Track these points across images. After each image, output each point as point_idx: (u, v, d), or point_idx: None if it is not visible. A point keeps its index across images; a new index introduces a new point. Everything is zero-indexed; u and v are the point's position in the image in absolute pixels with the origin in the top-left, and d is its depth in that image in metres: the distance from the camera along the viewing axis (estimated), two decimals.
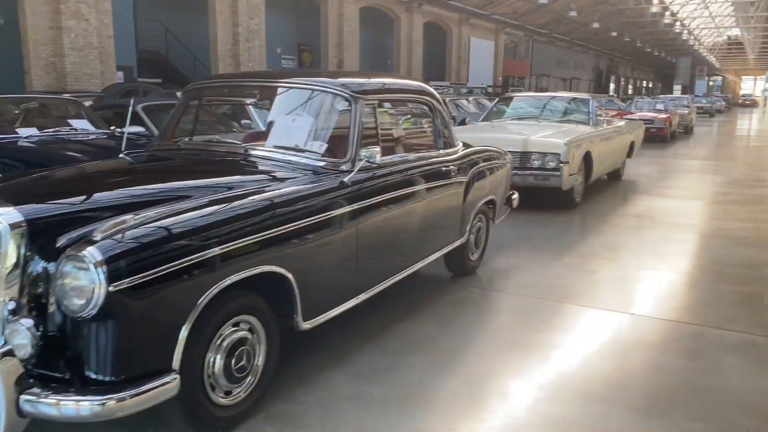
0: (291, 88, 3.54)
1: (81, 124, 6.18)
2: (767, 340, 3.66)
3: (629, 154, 10.58)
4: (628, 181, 10.43)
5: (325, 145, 3.27)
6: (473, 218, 4.66)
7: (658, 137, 18.35)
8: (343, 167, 3.20)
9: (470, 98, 18.07)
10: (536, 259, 5.38)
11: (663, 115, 18.59)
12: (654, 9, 35.11)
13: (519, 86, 35.92)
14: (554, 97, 9.57)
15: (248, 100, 4.99)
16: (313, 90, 3.46)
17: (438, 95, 4.39)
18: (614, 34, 43.13)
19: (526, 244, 5.92)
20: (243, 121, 7.34)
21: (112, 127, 6.60)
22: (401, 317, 3.88)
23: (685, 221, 7.16)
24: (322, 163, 3.20)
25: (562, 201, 7.71)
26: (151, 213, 2.32)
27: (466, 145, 4.86)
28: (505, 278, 4.84)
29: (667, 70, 73.13)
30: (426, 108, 4.22)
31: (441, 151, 4.23)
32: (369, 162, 3.21)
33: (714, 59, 74.44)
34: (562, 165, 7.08)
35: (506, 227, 6.52)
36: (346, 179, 3.12)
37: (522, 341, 3.60)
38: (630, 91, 68.50)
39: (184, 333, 2.26)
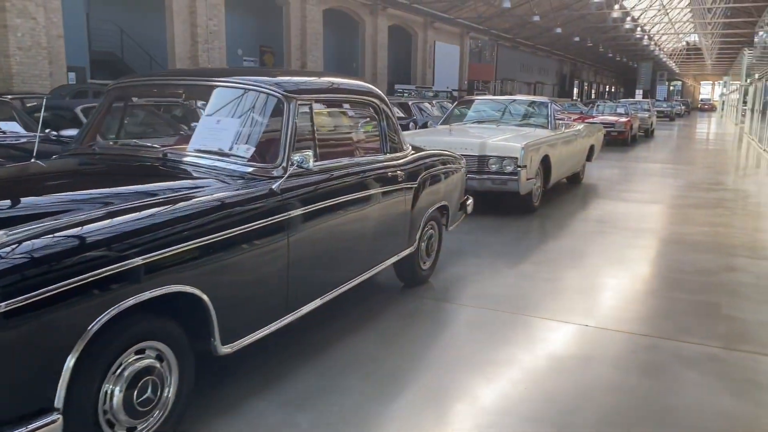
0: (220, 86, 3.25)
1: (10, 127, 5.77)
2: (724, 353, 3.50)
3: (589, 158, 10.52)
4: (588, 184, 10.36)
5: (253, 149, 3.00)
6: (424, 225, 4.43)
7: (619, 140, 18.50)
8: (274, 173, 2.93)
9: (434, 101, 17.94)
10: (492, 267, 5.18)
11: (624, 119, 18.75)
12: (615, 14, 35.56)
13: (483, 90, 36.01)
14: (514, 100, 9.43)
15: (195, 101, 4.67)
16: (243, 89, 3.18)
17: (386, 98, 4.15)
18: (577, 39, 43.63)
19: (482, 251, 5.72)
20: (193, 124, 7.02)
21: (47, 130, 6.21)
22: (342, 334, 3.62)
23: (643, 226, 7.06)
24: (249, 169, 2.93)
25: (520, 205, 7.56)
26: (33, 227, 2.02)
27: (416, 149, 4.64)
28: (458, 288, 4.62)
29: (629, 75, 74.54)
30: (371, 110, 3.98)
31: (387, 156, 3.99)
32: (301, 167, 2.94)
33: (674, 64, 76.13)
34: (519, 169, 6.92)
35: (463, 233, 6.32)
36: (274, 186, 2.85)
37: (471, 358, 3.37)
38: (593, 96, 69.61)
39: (70, 363, 1.96)
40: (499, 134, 7.75)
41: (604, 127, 18.34)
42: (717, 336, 3.74)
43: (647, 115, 22.29)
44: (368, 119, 4.08)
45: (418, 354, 3.42)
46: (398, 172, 3.96)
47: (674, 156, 16.57)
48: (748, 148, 19.73)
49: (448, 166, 4.90)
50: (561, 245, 6.10)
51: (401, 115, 13.68)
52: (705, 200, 8.92)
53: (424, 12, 31.12)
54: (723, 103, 54.39)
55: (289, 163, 2.94)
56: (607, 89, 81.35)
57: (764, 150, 17.16)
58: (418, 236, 4.31)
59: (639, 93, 57.91)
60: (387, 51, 29.33)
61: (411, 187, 4.12)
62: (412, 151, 4.45)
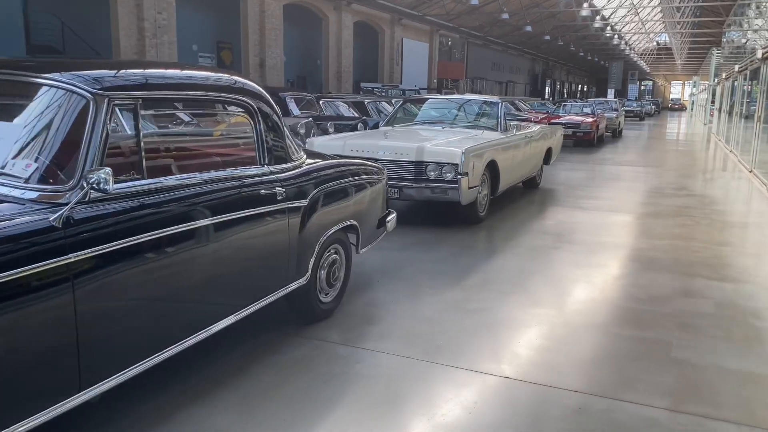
0: (6, 81, 2.46)
1: None
2: (667, 417, 2.81)
3: (546, 161, 9.88)
4: (545, 189, 9.72)
5: (34, 165, 2.21)
6: (322, 251, 3.68)
7: (585, 141, 17.99)
8: (64, 199, 2.16)
9: (393, 101, 17.22)
10: (415, 294, 4.45)
11: (590, 119, 18.24)
12: (584, 13, 35.20)
13: (452, 89, 35.42)
14: (467, 100, 8.73)
15: None
16: (38, 83, 2.39)
17: (266, 96, 3.38)
18: (547, 37, 43.32)
19: (407, 272, 4.99)
20: None
21: None
22: (193, 399, 2.85)
23: (596, 239, 6.41)
24: (31, 194, 2.15)
25: (463, 216, 6.86)
26: None
27: (318, 159, 3.89)
28: (365, 324, 3.88)
29: (601, 75, 74.85)
30: (242, 112, 3.21)
31: (264, 169, 3.23)
32: (97, 190, 2.17)
33: (644, 64, 76.58)
34: (460, 177, 6.21)
35: (394, 249, 5.60)
36: (53, 218, 2.08)
37: (356, 427, 2.63)
38: (565, 95, 69.63)
39: None
40: (441, 137, 7.04)
41: (570, 128, 17.98)
42: (662, 390, 3.06)
43: (615, 115, 21.84)
44: (237, 123, 3.32)
45: (284, 426, 2.67)
46: (277, 188, 3.20)
47: (640, 158, 16.07)
48: (716, 149, 19.37)
49: (360, 177, 4.17)
50: (503, 264, 5.40)
51: (352, 114, 12.92)
52: (667, 208, 8.32)
53: (390, 8, 30.40)
54: (692, 103, 54.65)
55: (86, 184, 2.17)
56: (579, 88, 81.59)
57: (731, 151, 16.76)
58: (311, 264, 3.56)
59: (611, 92, 58.00)
60: (352, 48, 28.55)
61: (298, 207, 3.36)
62: (309, 161, 3.70)
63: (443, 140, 6.82)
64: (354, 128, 10.85)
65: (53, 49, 17.83)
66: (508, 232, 6.75)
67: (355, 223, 4.03)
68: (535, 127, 9.24)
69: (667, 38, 59.52)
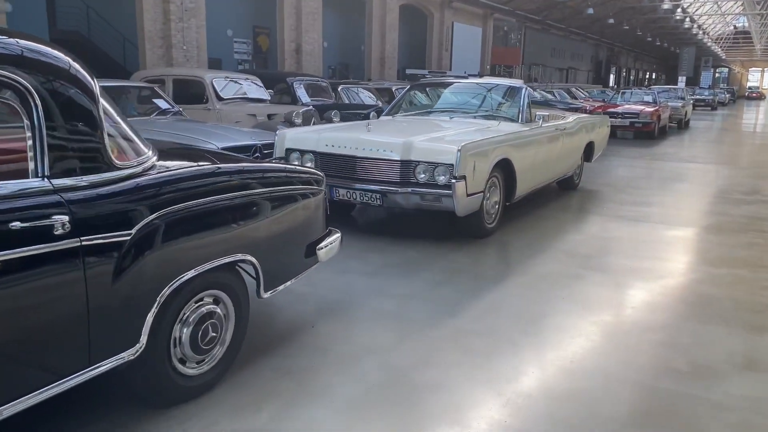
0: None
1: None
2: None
3: (588, 158, 8.35)
4: (585, 191, 8.20)
5: None
6: (176, 304, 2.47)
7: (644, 133, 16.12)
8: None
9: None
10: (348, 355, 3.17)
11: (650, 108, 16.30)
12: None
13: (505, 76, 33.51)
14: (481, 84, 7.30)
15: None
16: None
17: (67, 67, 2.17)
18: (611, 21, 40.57)
19: (361, 313, 3.70)
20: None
21: None
22: None
23: (633, 264, 4.93)
24: None
25: (466, 228, 5.51)
26: None
27: (188, 163, 2.67)
28: (261, 409, 2.63)
29: (671, 61, 70.66)
30: (13, 96, 2.00)
31: (36, 183, 2.01)
32: None
33: (720, 50, 71.71)
34: (455, 181, 4.86)
35: (361, 272, 4.39)
36: None
37: None
38: (631, 83, 65.98)
39: None
40: (441, 130, 5.70)
41: (628, 118, 16.12)
42: None
43: (680, 105, 19.68)
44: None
45: None
46: (54, 216, 1.98)
47: (707, 153, 14.10)
48: None
49: (268, 190, 2.91)
50: (494, 302, 4.03)
51: (375, 103, 11.60)
52: (733, 219, 6.68)
53: None
54: None
55: None
56: (647, 76, 77.36)
57: None
58: (147, 328, 2.33)
59: (681, 80, 54.25)
60: (398, 33, 27.13)
61: (109, 243, 2.14)
62: (163, 168, 2.47)
63: (441, 134, 5.48)
64: (366, 117, 9.57)
65: (79, 34, 17.29)
66: (521, 250, 5.35)
67: (249, 257, 2.78)
68: (571, 118, 7.71)
69: (746, 21, 55.20)
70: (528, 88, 6.78)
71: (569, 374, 3.01)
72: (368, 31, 26.25)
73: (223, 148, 6.11)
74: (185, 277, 2.44)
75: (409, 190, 5.06)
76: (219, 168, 2.74)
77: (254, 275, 2.87)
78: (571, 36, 47.59)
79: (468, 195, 5.00)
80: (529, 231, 5.95)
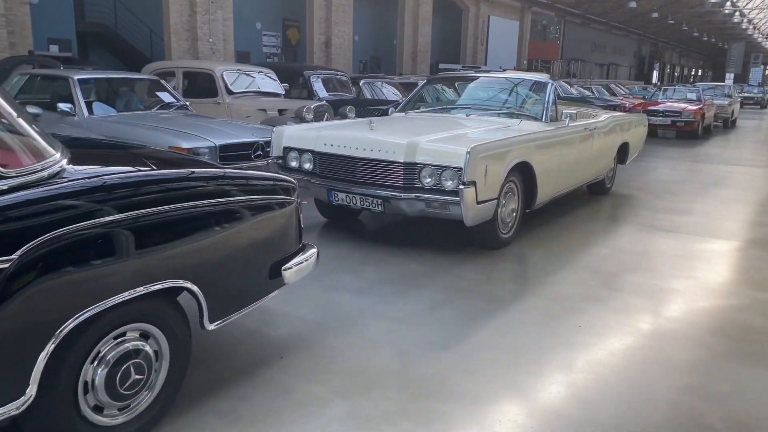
0: None
1: None
2: None
3: (622, 160, 7.69)
4: (618, 196, 7.55)
5: None
6: (90, 339, 2.03)
7: (687, 133, 15.22)
8: None
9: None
10: (298, 404, 2.68)
11: (693, 107, 15.37)
12: None
13: (542, 71, 32.52)
14: (504, 79, 6.71)
15: None
16: None
17: None
18: (655, 15, 39.07)
19: (339, 343, 3.21)
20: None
21: None
22: None
23: (662, 284, 4.32)
24: None
25: (478, 238, 4.98)
26: None
27: (111, 162, 2.23)
28: None
29: (719, 57, 68.01)
30: None
31: None
32: None
33: None
34: (463, 187, 4.32)
35: (350, 289, 3.92)
36: None
37: None
38: (676, 80, 63.82)
39: None
40: (452, 130, 5.16)
41: (669, 116, 15.24)
42: None
43: (727, 102, 18.60)
44: None
45: None
46: None
47: (754, 155, 13.17)
48: None
49: (200, 204, 2.43)
50: (506, 331, 3.49)
51: (398, 98, 11.08)
52: None
53: None
54: None
55: None
56: (692, 73, 74.78)
57: None
58: (34, 375, 1.88)
59: (729, 77, 52.08)
60: (431, 26, 26.49)
61: None
62: (71, 176, 2.03)
63: (451, 133, 4.95)
64: (384, 113, 9.08)
65: (106, 27, 17.19)
66: (538, 265, 4.79)
67: (189, 285, 2.31)
68: (604, 116, 7.07)
69: None
70: (554, 84, 6.16)
71: (589, 392, 2.47)
72: (400, 24, 25.71)
73: (221, 146, 5.70)
74: (95, 310, 1.99)
75: (413, 195, 4.55)
76: (149, 175, 2.28)
77: (196, 304, 2.41)
78: (612, 30, 46.11)
79: (478, 202, 4.46)
80: (550, 242, 5.37)
